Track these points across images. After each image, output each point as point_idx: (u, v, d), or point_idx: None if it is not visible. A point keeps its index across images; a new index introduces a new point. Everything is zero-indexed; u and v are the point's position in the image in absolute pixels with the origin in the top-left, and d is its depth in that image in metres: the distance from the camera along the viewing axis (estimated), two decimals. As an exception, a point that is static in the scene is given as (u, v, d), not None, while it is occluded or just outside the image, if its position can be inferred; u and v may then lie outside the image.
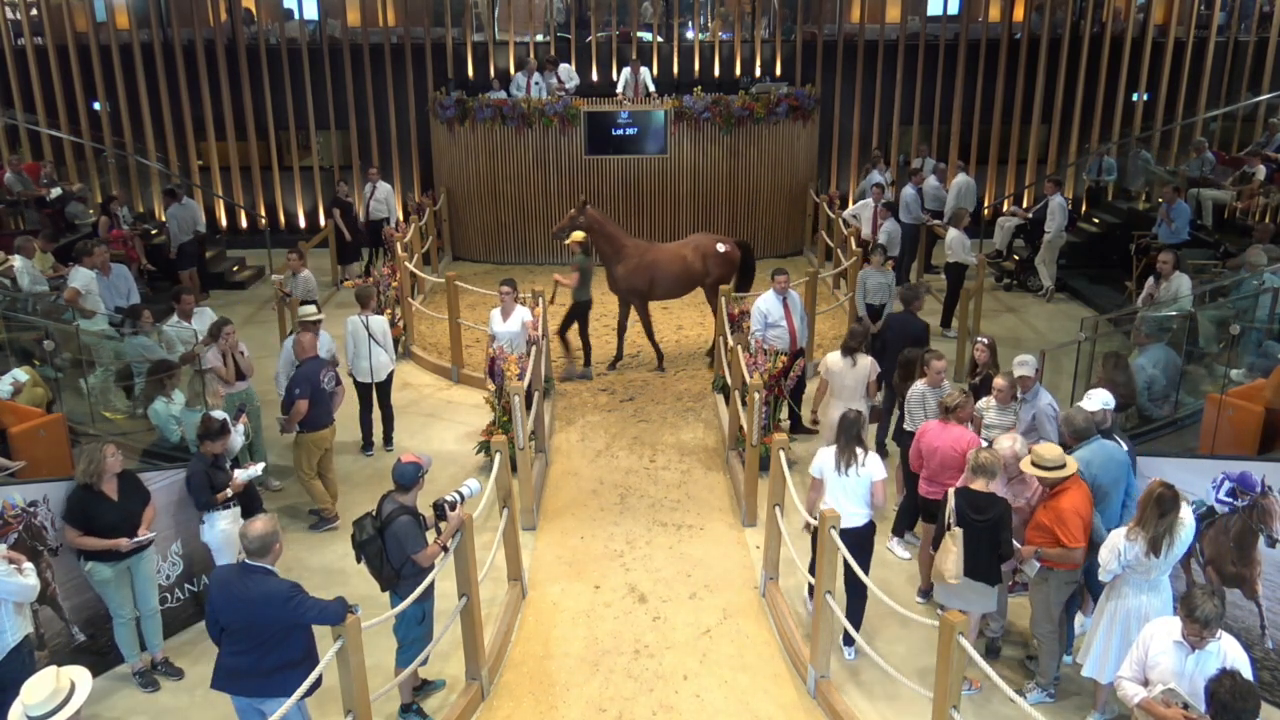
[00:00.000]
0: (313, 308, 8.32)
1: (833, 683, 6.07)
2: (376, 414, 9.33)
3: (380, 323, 9.10)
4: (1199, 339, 8.30)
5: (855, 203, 14.35)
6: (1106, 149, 15.42)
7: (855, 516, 6.16)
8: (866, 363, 7.87)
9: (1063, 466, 5.64)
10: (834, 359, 7.93)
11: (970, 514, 5.67)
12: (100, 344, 8.84)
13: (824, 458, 6.29)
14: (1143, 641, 4.65)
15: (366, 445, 9.35)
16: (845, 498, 6.15)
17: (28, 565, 5.28)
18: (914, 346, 8.07)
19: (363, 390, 9.17)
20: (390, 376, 9.25)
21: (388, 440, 9.44)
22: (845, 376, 7.85)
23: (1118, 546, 5.25)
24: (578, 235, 10.82)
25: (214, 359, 8.10)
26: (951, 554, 5.73)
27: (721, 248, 11.16)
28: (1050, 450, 5.70)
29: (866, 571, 6.02)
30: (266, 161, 16.70)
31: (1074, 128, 16.85)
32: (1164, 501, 5.10)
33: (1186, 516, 5.26)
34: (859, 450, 6.16)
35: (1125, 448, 6.14)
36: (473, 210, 15.37)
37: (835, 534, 5.84)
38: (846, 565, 6.02)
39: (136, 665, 6.27)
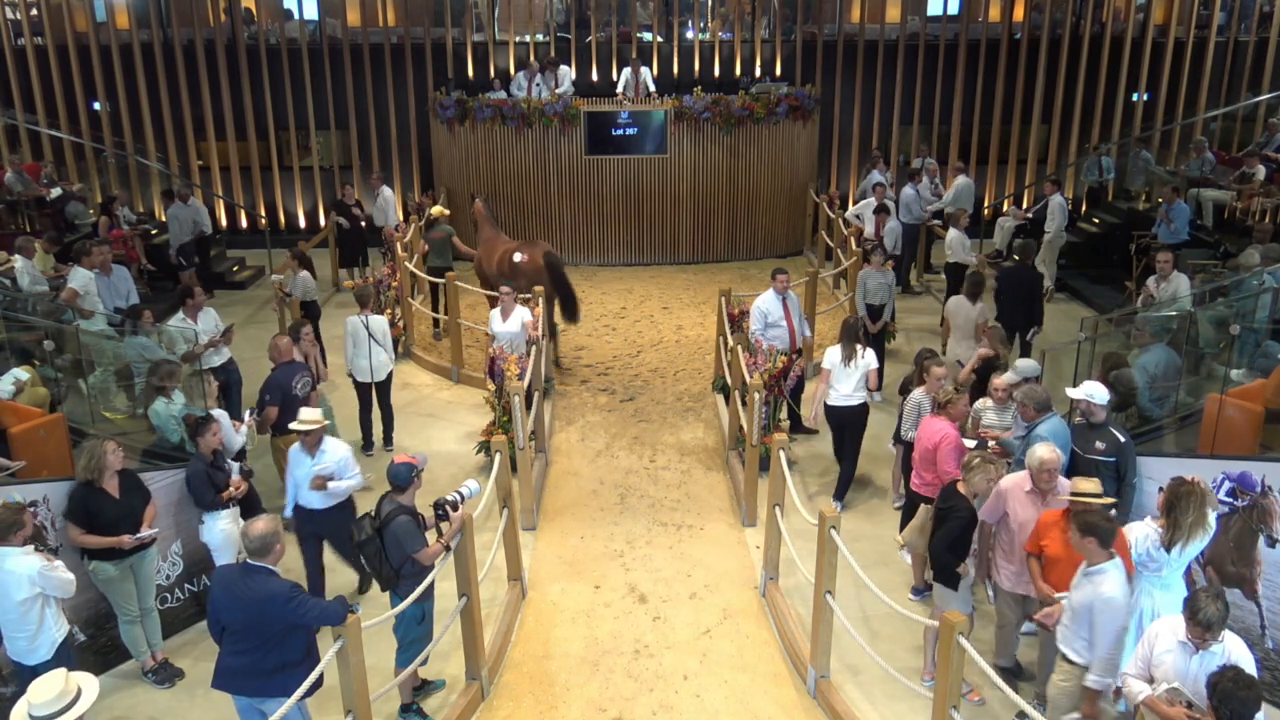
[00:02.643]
0: (318, 413, 6.74)
1: (833, 683, 6.07)
2: (376, 414, 9.33)
3: (380, 322, 9.11)
4: (1199, 339, 8.30)
5: (856, 203, 14.37)
6: (1106, 149, 15.42)
7: (855, 398, 7.97)
8: (979, 307, 9.18)
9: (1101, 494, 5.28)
10: (954, 301, 9.40)
11: (937, 502, 5.84)
12: (100, 344, 8.83)
13: (832, 354, 8.05)
14: (1148, 640, 4.66)
15: (366, 445, 9.35)
16: (847, 384, 7.96)
17: (58, 562, 5.36)
18: (1028, 296, 9.74)
19: (362, 390, 9.16)
20: (390, 376, 9.25)
21: (388, 440, 9.44)
22: (958, 316, 9.24)
23: (1129, 540, 5.31)
24: (437, 209, 12.73)
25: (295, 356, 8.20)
26: (911, 523, 6.02)
27: (517, 256, 11.09)
28: (1092, 484, 5.29)
29: (861, 440, 8.18)
30: (266, 161, 16.70)
31: (1074, 128, 16.84)
32: (1184, 499, 5.22)
33: (1210, 519, 5.28)
34: (858, 347, 7.92)
35: (1122, 438, 6.22)
36: (471, 210, 15.35)
37: (835, 534, 5.85)
38: (846, 436, 8.11)
39: (147, 664, 6.28)
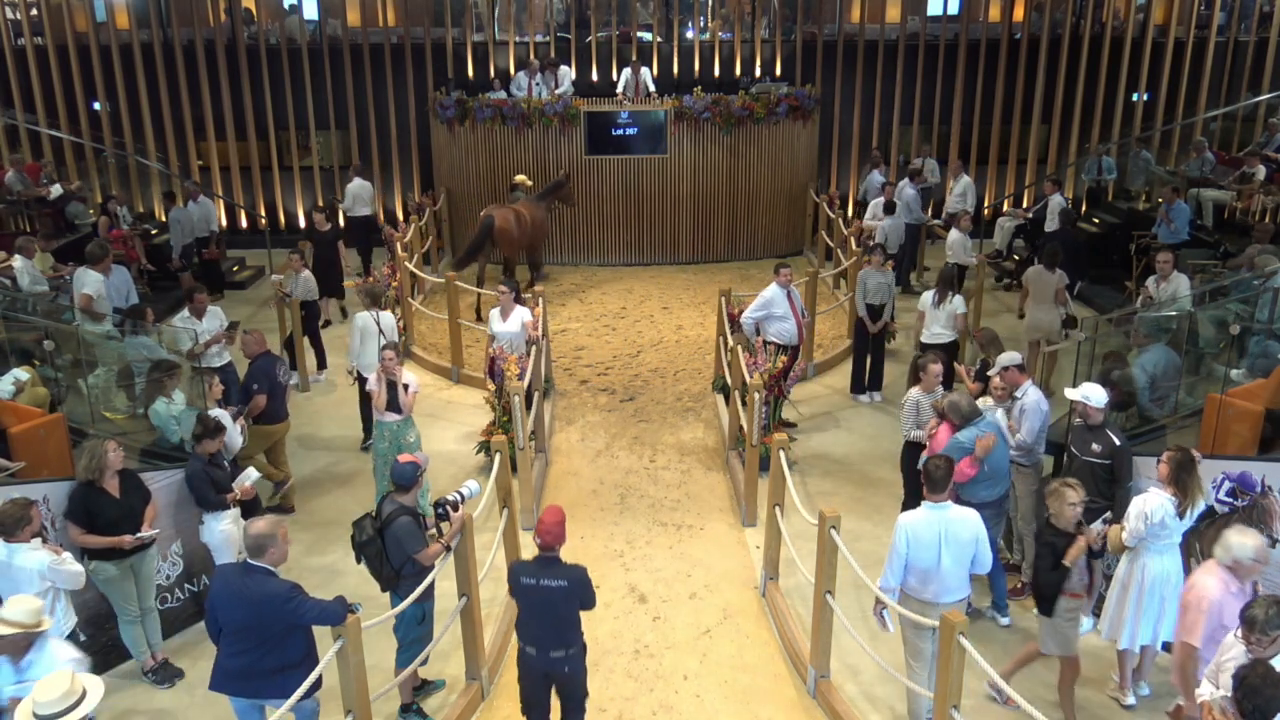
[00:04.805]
0: (32, 606, 4.45)
1: (833, 683, 6.07)
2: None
3: (389, 319, 9.18)
4: (1199, 339, 8.30)
5: (858, 200, 14.37)
6: (1106, 149, 15.42)
7: (945, 335, 9.50)
8: (1058, 274, 10.08)
9: None
10: (1033, 270, 10.36)
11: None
12: (106, 345, 8.85)
13: (925, 298, 9.64)
14: (1223, 648, 4.63)
15: (369, 437, 9.41)
16: (938, 325, 9.50)
17: (66, 554, 5.38)
18: (1072, 258, 10.53)
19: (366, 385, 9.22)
20: None
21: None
22: (1038, 284, 10.15)
23: (1146, 511, 5.45)
24: (520, 177, 14.02)
25: (373, 384, 7.79)
26: None
27: (483, 212, 12.77)
28: None
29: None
30: (266, 161, 16.70)
31: (1074, 128, 16.84)
32: (1186, 461, 5.51)
33: (1204, 484, 5.56)
34: (950, 292, 9.48)
35: (1118, 441, 6.22)
36: (473, 210, 15.32)
37: (835, 534, 5.85)
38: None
39: (147, 664, 6.28)
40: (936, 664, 5.06)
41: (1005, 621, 6.69)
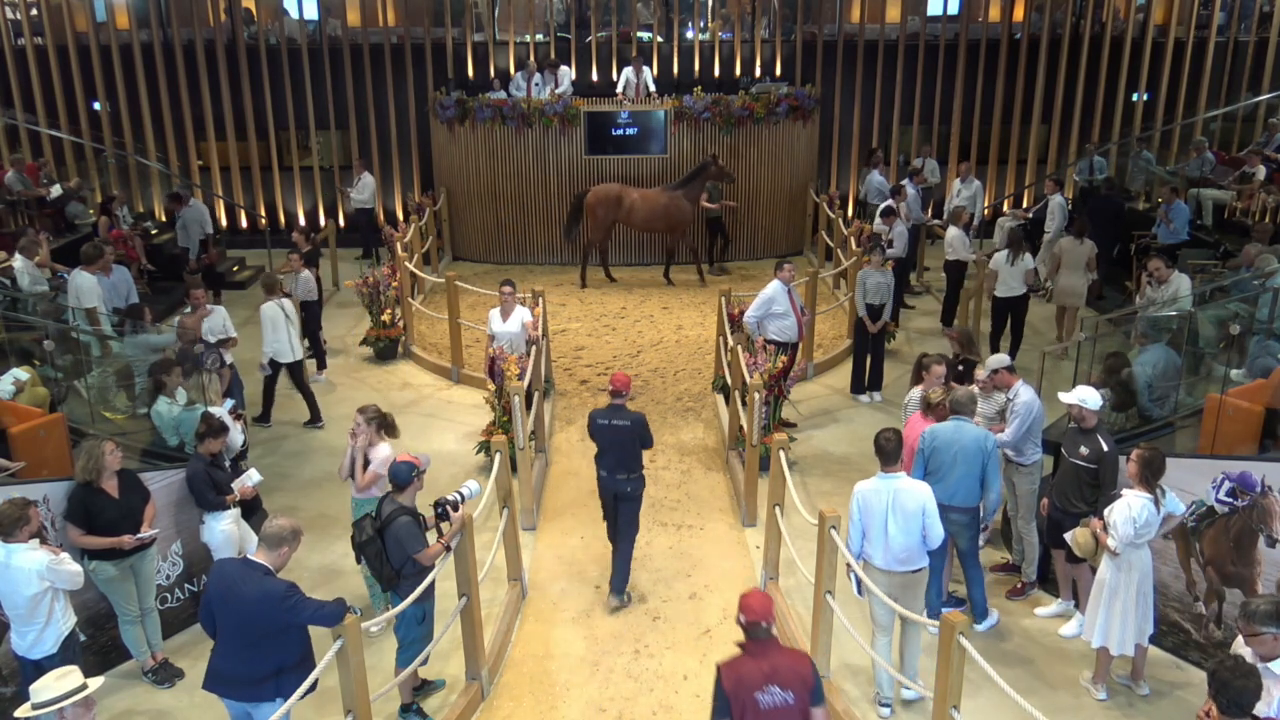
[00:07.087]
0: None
1: (833, 683, 6.07)
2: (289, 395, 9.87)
3: (290, 306, 9.64)
4: (1199, 339, 8.30)
5: (867, 205, 14.34)
6: (1104, 149, 15.42)
7: (1017, 290, 10.67)
8: (1089, 245, 11.16)
9: None
10: (1066, 240, 11.35)
11: None
12: (117, 349, 8.89)
13: (998, 258, 10.74)
14: (1235, 647, 4.68)
15: (265, 416, 9.93)
16: (1012, 280, 10.63)
17: (64, 554, 5.37)
18: (1114, 223, 11.73)
19: (277, 369, 9.69)
20: (302, 359, 9.78)
21: (317, 418, 9.88)
22: (1071, 254, 11.18)
23: (1133, 517, 5.48)
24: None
25: (350, 445, 6.68)
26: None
27: None
28: None
29: (1024, 320, 10.93)
30: (266, 161, 16.70)
31: (1074, 128, 16.84)
32: (1156, 461, 5.60)
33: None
34: (1021, 251, 10.55)
35: (1106, 447, 6.18)
36: (473, 210, 15.37)
37: (835, 534, 5.85)
38: (1011, 319, 10.89)
39: (147, 664, 6.28)
40: (939, 665, 5.06)
41: (980, 628, 6.64)
